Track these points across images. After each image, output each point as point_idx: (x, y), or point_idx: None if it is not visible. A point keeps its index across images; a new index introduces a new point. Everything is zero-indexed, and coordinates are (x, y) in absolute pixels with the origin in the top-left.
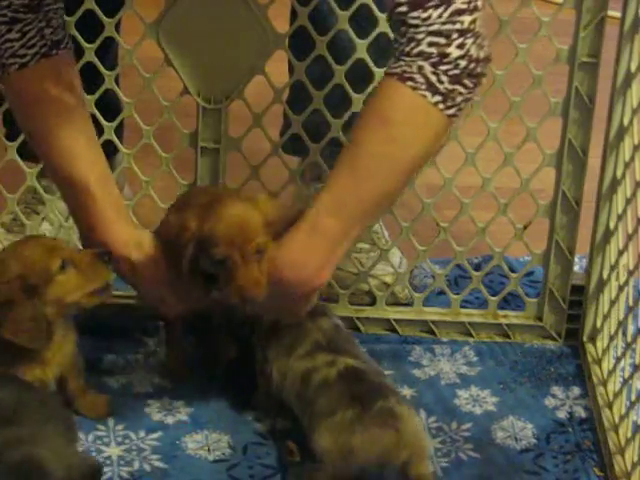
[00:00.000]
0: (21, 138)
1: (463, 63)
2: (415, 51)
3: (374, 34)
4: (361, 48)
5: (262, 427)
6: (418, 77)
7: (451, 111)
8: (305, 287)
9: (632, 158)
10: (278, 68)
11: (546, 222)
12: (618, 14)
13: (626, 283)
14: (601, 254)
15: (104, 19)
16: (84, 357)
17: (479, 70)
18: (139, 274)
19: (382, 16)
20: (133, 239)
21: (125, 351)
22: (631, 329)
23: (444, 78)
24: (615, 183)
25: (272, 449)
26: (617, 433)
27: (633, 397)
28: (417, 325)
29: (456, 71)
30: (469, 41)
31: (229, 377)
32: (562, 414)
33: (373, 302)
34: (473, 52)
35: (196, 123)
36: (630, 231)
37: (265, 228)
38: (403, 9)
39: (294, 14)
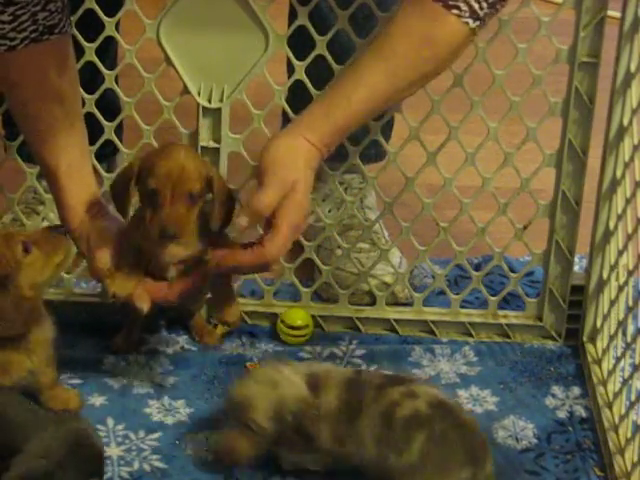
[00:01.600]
0: (21, 138)
1: None
2: None
3: (374, 33)
4: (360, 47)
5: None
6: (462, 5)
7: (480, 30)
8: None
9: (632, 158)
10: (278, 68)
11: (546, 222)
12: (618, 14)
13: (626, 283)
14: (601, 254)
15: (104, 18)
16: (84, 357)
17: None
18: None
19: (382, 15)
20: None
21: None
22: (631, 329)
23: (484, 4)
24: (615, 183)
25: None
26: (617, 433)
27: (633, 397)
28: (417, 325)
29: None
30: None
31: (229, 378)
32: (562, 414)
33: (373, 302)
34: None
35: (196, 123)
36: (630, 231)
37: (203, 181)
38: None
39: (293, 14)
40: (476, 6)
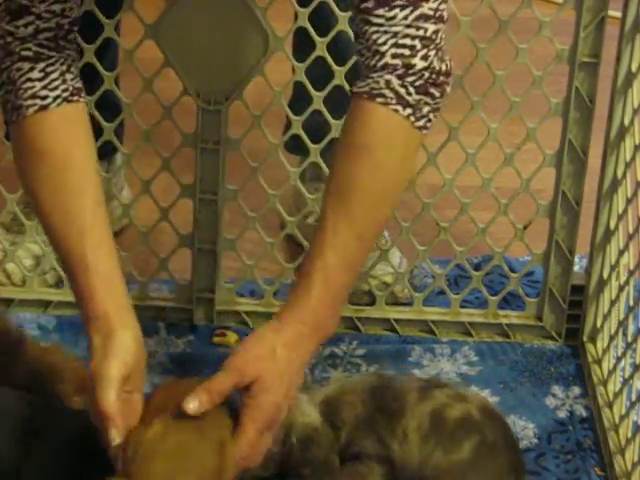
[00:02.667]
0: None
1: (427, 74)
2: (380, 64)
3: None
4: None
5: None
6: (387, 92)
7: (420, 122)
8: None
9: (633, 158)
10: (278, 68)
11: (546, 222)
12: (619, 14)
13: (626, 283)
14: (601, 254)
15: (103, 20)
16: (84, 357)
17: (442, 79)
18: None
19: None
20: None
21: None
22: (631, 329)
23: (411, 89)
24: (615, 183)
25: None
26: (617, 433)
27: (633, 397)
28: (417, 325)
29: (421, 81)
30: (432, 52)
31: None
32: (563, 414)
33: (373, 302)
34: (436, 64)
35: (196, 124)
36: (631, 231)
37: None
38: (369, 5)
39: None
40: (402, 91)
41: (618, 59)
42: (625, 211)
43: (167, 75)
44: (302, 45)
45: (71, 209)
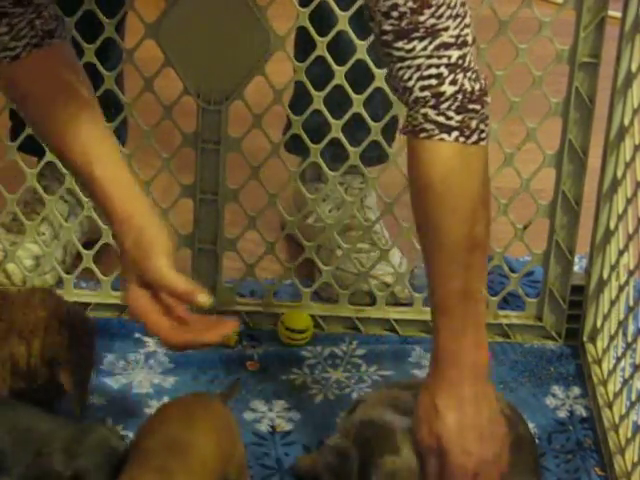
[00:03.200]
0: (21, 138)
1: (460, 96)
2: (412, 99)
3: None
4: (361, 49)
5: (261, 428)
6: (427, 125)
7: (473, 138)
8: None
9: (633, 158)
10: (278, 68)
11: (546, 222)
12: (618, 14)
13: (626, 283)
14: (601, 254)
15: (104, 20)
16: None
17: (478, 95)
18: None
19: None
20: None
21: (125, 351)
22: (631, 329)
23: (450, 114)
24: (615, 183)
25: (271, 450)
26: (617, 433)
27: (633, 397)
28: (417, 325)
29: (457, 103)
30: (459, 76)
31: (229, 378)
32: (563, 414)
33: (373, 302)
34: (467, 86)
35: (196, 123)
36: (631, 231)
37: None
38: (388, 38)
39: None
40: (441, 119)
41: (618, 59)
42: (625, 211)
43: (167, 75)
44: (303, 45)
45: (70, 127)
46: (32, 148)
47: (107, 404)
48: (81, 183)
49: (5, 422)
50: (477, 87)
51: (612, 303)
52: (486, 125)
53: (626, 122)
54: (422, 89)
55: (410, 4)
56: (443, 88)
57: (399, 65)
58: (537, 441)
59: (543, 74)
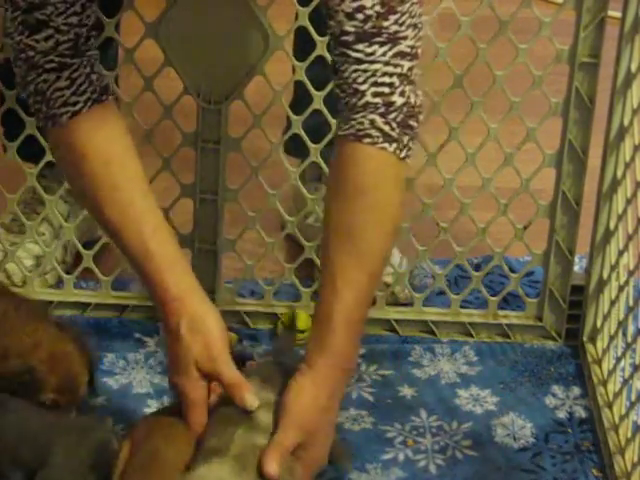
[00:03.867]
0: (21, 138)
1: (405, 109)
2: (361, 103)
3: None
4: None
5: None
6: (373, 131)
7: (404, 153)
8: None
9: (632, 158)
10: (278, 68)
11: (546, 222)
12: (618, 14)
13: (626, 283)
14: (601, 254)
15: (104, 19)
16: None
17: (417, 111)
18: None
19: None
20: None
21: (125, 351)
22: (631, 329)
23: (394, 125)
24: (615, 183)
25: None
26: (617, 433)
27: (633, 397)
28: (417, 325)
29: (402, 116)
30: (407, 88)
31: None
32: (562, 414)
33: (373, 302)
34: (412, 99)
35: (196, 123)
36: (630, 231)
37: None
38: (349, 39)
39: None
40: (386, 128)
41: (618, 59)
42: (625, 211)
43: (167, 75)
44: (302, 44)
45: (121, 200)
46: (29, 155)
47: (107, 404)
48: (124, 252)
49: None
50: (418, 102)
51: (612, 303)
52: (413, 144)
53: (626, 122)
54: (374, 95)
55: (377, 8)
56: (394, 98)
57: (354, 67)
58: (534, 440)
59: (543, 74)
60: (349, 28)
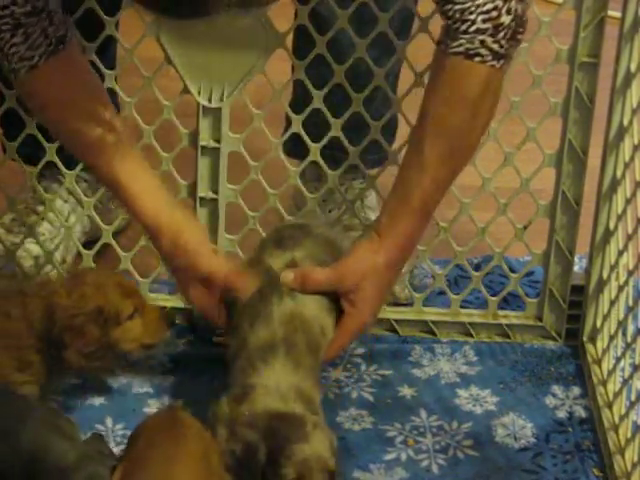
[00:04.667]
0: (21, 138)
1: (514, 24)
2: (472, 29)
3: (374, 33)
4: (361, 48)
5: None
6: (483, 50)
7: (508, 63)
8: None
9: (632, 158)
10: (278, 68)
11: (546, 222)
12: (618, 14)
13: (626, 283)
14: (601, 254)
15: (104, 18)
16: None
17: (525, 19)
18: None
19: (382, 15)
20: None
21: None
22: (631, 329)
23: (504, 42)
24: (615, 183)
25: None
26: (617, 433)
27: (633, 397)
28: (417, 325)
29: (510, 31)
30: (512, 3)
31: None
32: (562, 414)
33: None
34: (519, 11)
35: (196, 123)
36: (630, 231)
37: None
38: None
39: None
40: (496, 47)
41: (617, 59)
42: (624, 211)
43: (167, 74)
44: (302, 43)
45: (88, 142)
46: (29, 155)
47: (106, 403)
48: (102, 183)
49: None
50: (523, 7)
51: (612, 303)
52: (515, 51)
53: (625, 122)
54: (484, 21)
55: None
56: (502, 19)
57: (458, 7)
58: (535, 440)
59: (543, 74)
60: None
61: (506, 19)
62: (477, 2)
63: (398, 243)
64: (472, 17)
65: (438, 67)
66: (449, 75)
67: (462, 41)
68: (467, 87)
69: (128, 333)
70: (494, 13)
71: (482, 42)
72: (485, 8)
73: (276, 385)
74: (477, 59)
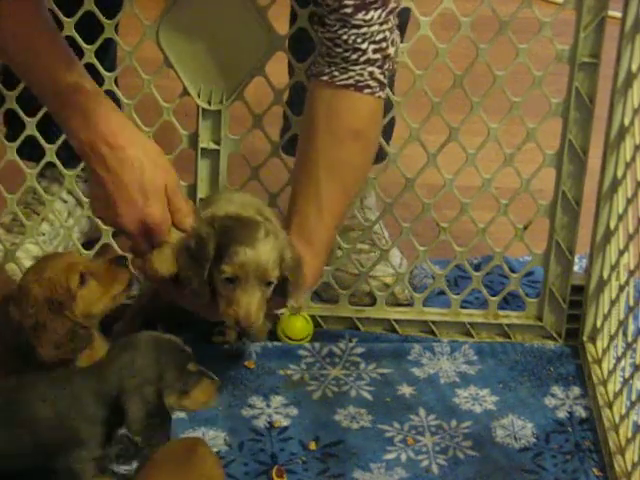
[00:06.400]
0: (21, 138)
1: (393, 55)
2: (363, 59)
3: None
4: None
5: (259, 424)
6: (372, 82)
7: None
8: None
9: (633, 158)
10: (278, 69)
11: (546, 222)
12: (619, 14)
13: (626, 283)
14: (601, 254)
15: (104, 20)
16: None
17: (397, 51)
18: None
19: None
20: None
21: None
22: (631, 329)
23: (387, 73)
24: (616, 183)
25: (267, 446)
26: (617, 433)
27: (633, 397)
28: (417, 325)
29: (391, 62)
30: (394, 35)
31: (226, 375)
32: (562, 414)
33: (373, 303)
34: (397, 40)
35: (196, 124)
36: (631, 231)
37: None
38: (348, 10)
39: (294, 15)
40: (381, 78)
41: (618, 59)
42: (625, 211)
43: (167, 75)
44: (300, 45)
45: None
46: (30, 154)
47: None
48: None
49: None
50: (397, 38)
51: (612, 303)
52: None
53: (626, 122)
54: (375, 52)
55: None
56: (389, 51)
57: (354, 32)
58: (535, 440)
59: (543, 74)
60: (348, 2)
61: (392, 50)
62: (371, 29)
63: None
64: (364, 46)
65: (321, 99)
66: (336, 108)
67: (352, 73)
68: (357, 120)
69: (88, 298)
70: (384, 44)
71: (371, 74)
72: (377, 38)
73: (240, 199)
74: (367, 91)
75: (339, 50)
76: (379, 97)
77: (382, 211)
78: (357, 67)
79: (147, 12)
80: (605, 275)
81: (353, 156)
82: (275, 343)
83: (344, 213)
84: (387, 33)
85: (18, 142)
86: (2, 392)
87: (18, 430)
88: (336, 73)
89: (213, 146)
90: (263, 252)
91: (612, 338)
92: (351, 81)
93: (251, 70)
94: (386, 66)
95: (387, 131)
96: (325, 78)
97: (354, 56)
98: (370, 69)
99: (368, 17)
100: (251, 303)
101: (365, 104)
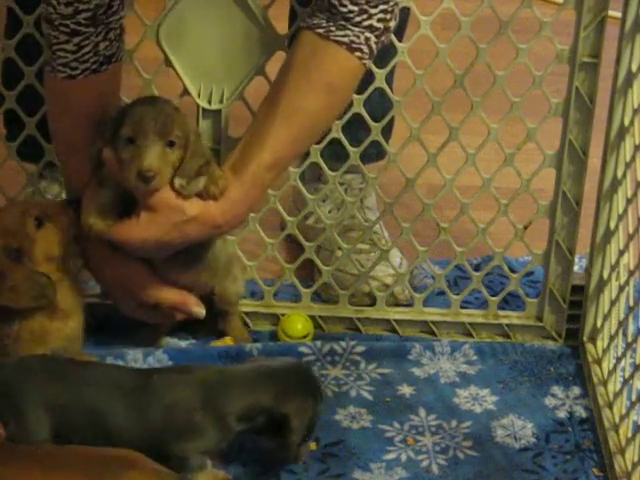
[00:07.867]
0: (21, 138)
1: (392, 27)
2: (366, 24)
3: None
4: None
5: None
6: (365, 48)
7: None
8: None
9: (633, 158)
10: (278, 69)
11: (546, 222)
12: (619, 14)
13: (626, 283)
14: (601, 254)
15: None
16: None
17: (394, 22)
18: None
19: None
20: None
21: (124, 350)
22: (631, 329)
23: (380, 45)
24: (616, 183)
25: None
26: (617, 433)
27: (633, 397)
28: (417, 326)
29: (388, 35)
30: (396, 7)
31: None
32: (562, 414)
33: (373, 303)
34: (397, 13)
35: (196, 124)
36: (631, 231)
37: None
38: None
39: (293, 14)
40: (374, 47)
41: (618, 59)
42: (625, 211)
43: (167, 75)
44: None
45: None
46: (30, 154)
47: None
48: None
49: None
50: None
51: (612, 303)
52: None
53: (626, 122)
54: (380, 20)
55: None
56: (391, 23)
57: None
58: (535, 440)
59: (543, 74)
60: None
61: (393, 24)
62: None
63: (224, 207)
64: (373, 11)
65: (309, 46)
66: (321, 57)
67: (349, 32)
68: (336, 76)
69: (47, 240)
70: (388, 15)
71: (367, 39)
72: (385, 7)
73: None
74: (357, 54)
75: (344, 10)
76: (364, 64)
77: (382, 211)
78: (356, 29)
79: (147, 12)
80: (605, 275)
81: (319, 109)
82: (276, 342)
83: (287, 160)
84: (394, 6)
85: (18, 142)
86: (136, 377)
87: (152, 415)
88: (333, 28)
89: (213, 146)
90: (160, 109)
91: (612, 338)
92: (346, 39)
93: (251, 70)
94: (383, 37)
95: (386, 131)
96: (321, 31)
97: (358, 18)
98: (368, 35)
99: None
100: (150, 153)
101: (350, 64)
